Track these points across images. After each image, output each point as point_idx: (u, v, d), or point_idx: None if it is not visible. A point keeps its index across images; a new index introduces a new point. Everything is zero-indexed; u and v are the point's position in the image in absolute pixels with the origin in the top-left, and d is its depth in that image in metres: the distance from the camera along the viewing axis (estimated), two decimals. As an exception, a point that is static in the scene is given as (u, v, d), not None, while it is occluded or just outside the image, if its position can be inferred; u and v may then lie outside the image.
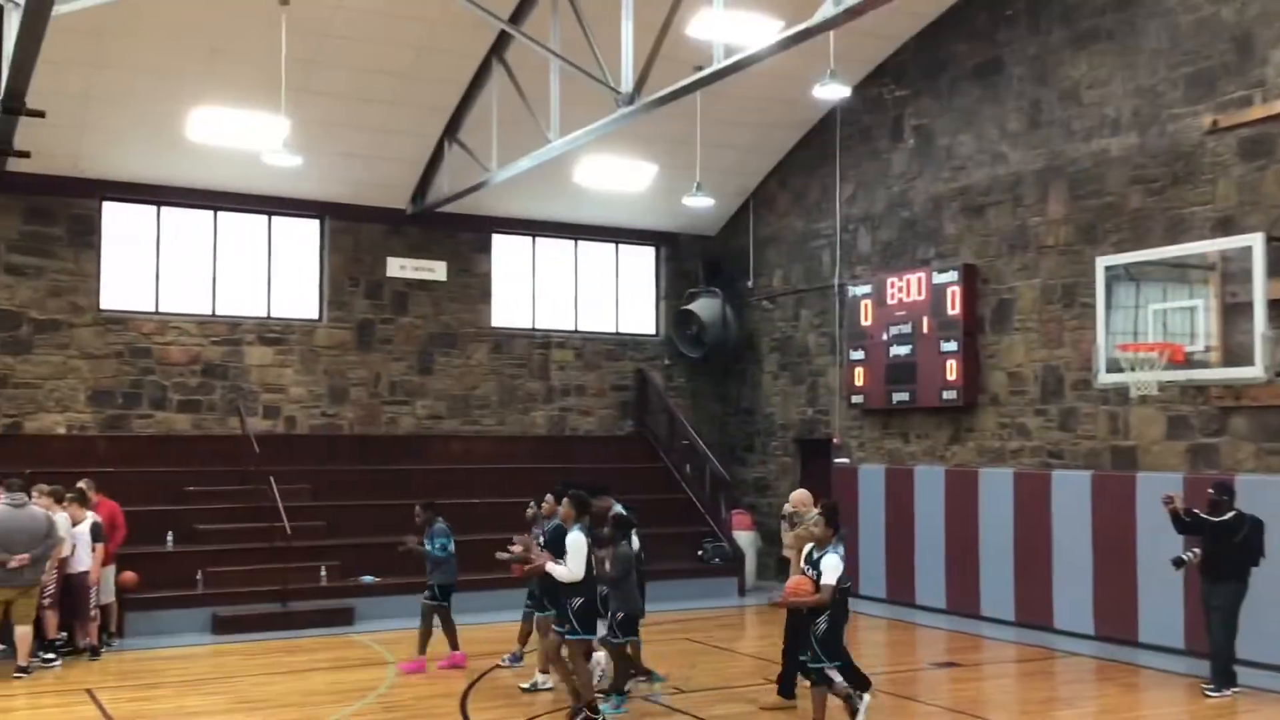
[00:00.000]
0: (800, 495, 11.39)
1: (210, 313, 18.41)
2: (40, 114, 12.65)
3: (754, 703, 10.85)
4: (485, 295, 20.39)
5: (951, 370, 16.75)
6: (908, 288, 17.53)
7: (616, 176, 19.63)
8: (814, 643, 9.37)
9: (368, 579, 16.31)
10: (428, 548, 12.62)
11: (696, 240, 22.06)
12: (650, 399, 21.59)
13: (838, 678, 9.51)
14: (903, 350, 17.59)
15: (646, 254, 22.15)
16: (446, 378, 19.99)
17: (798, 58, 12.77)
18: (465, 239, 20.17)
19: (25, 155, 14.36)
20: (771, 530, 20.45)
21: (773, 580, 20.11)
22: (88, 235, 17.50)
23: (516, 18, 15.32)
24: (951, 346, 16.76)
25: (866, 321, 18.26)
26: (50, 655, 12.53)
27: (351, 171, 18.32)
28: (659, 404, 21.44)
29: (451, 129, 17.84)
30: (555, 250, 21.28)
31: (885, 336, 17.86)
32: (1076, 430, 15.22)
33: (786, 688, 10.75)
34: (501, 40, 16.14)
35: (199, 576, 15.17)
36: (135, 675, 12.33)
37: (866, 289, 18.32)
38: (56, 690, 11.54)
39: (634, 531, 10.81)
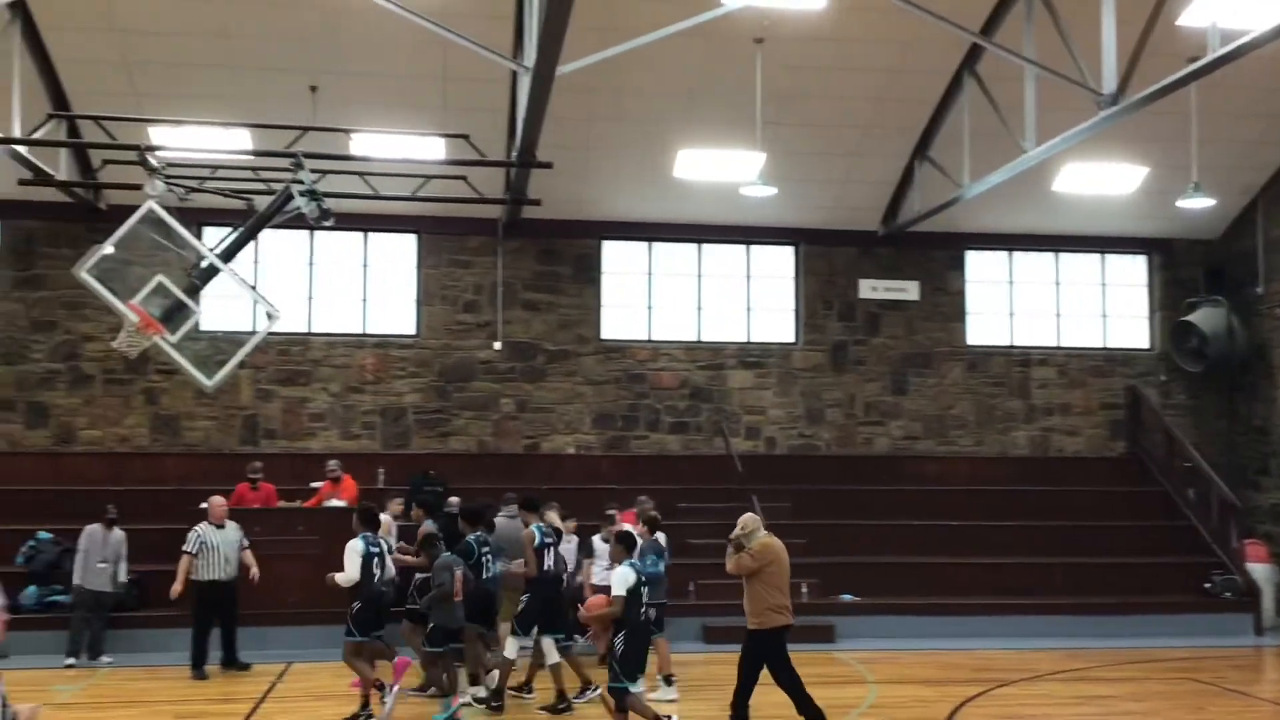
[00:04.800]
0: (747, 519, 10.57)
1: (696, 339, 19.55)
2: (548, 165, 14.17)
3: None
4: (959, 313, 20.01)
5: None
6: None
7: (1100, 182, 18.56)
8: (613, 663, 9.24)
9: (848, 597, 16.50)
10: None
11: (1195, 245, 20.29)
12: (1145, 418, 20.09)
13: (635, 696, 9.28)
14: None
15: (1137, 263, 20.68)
16: (921, 398, 19.82)
17: (1311, 36, 11.42)
18: (937, 257, 19.92)
19: (536, 203, 16.10)
20: (1294, 564, 18.32)
21: (1297, 620, 17.98)
22: (589, 272, 19.24)
23: (988, 29, 15.00)
24: None
25: None
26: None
27: (824, 197, 18.74)
28: (1155, 423, 19.90)
29: (922, 147, 17.74)
30: (1034, 263, 20.45)
31: None
32: None
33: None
34: (973, 53, 15.85)
35: (691, 588, 16.05)
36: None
37: None
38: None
39: (553, 547, 11.31)
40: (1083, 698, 12.36)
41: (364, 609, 10.79)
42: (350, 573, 10.71)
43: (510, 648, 11.13)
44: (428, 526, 12.12)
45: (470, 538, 11.48)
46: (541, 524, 11.70)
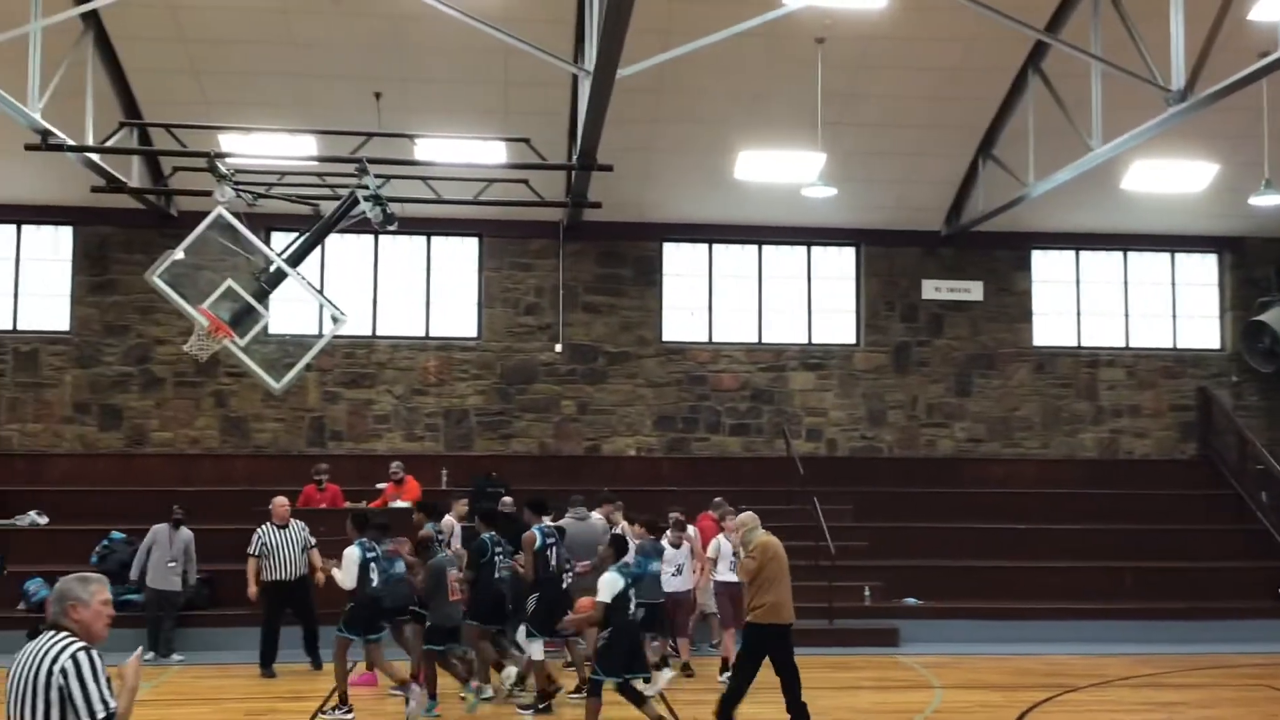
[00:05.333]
0: (744, 518, 10.67)
1: (756, 341, 19.50)
2: (608, 168, 14.21)
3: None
4: (1025, 314, 19.76)
5: None
6: None
7: (1170, 179, 18.22)
8: (595, 655, 9.67)
9: (911, 601, 16.37)
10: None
11: (1267, 243, 19.86)
12: (1216, 419, 19.70)
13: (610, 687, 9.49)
14: None
15: (1208, 261, 20.30)
16: (986, 399, 19.60)
17: (1390, 28, 11.16)
18: (1002, 257, 19.69)
19: (597, 206, 16.14)
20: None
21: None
22: (650, 274, 19.27)
23: (1054, 25, 14.81)
24: None
25: None
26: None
27: (885, 197, 18.61)
28: (1226, 425, 19.50)
29: (986, 146, 17.56)
30: (1102, 263, 20.15)
31: None
32: None
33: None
34: (1038, 50, 15.66)
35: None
36: (695, 680, 13.17)
37: None
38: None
39: (555, 548, 11.38)
40: (1152, 704, 12.15)
41: (356, 610, 11.06)
42: (346, 582, 11.07)
43: (535, 650, 11.21)
44: (428, 530, 12.31)
45: (485, 537, 11.63)
46: (544, 525, 11.78)
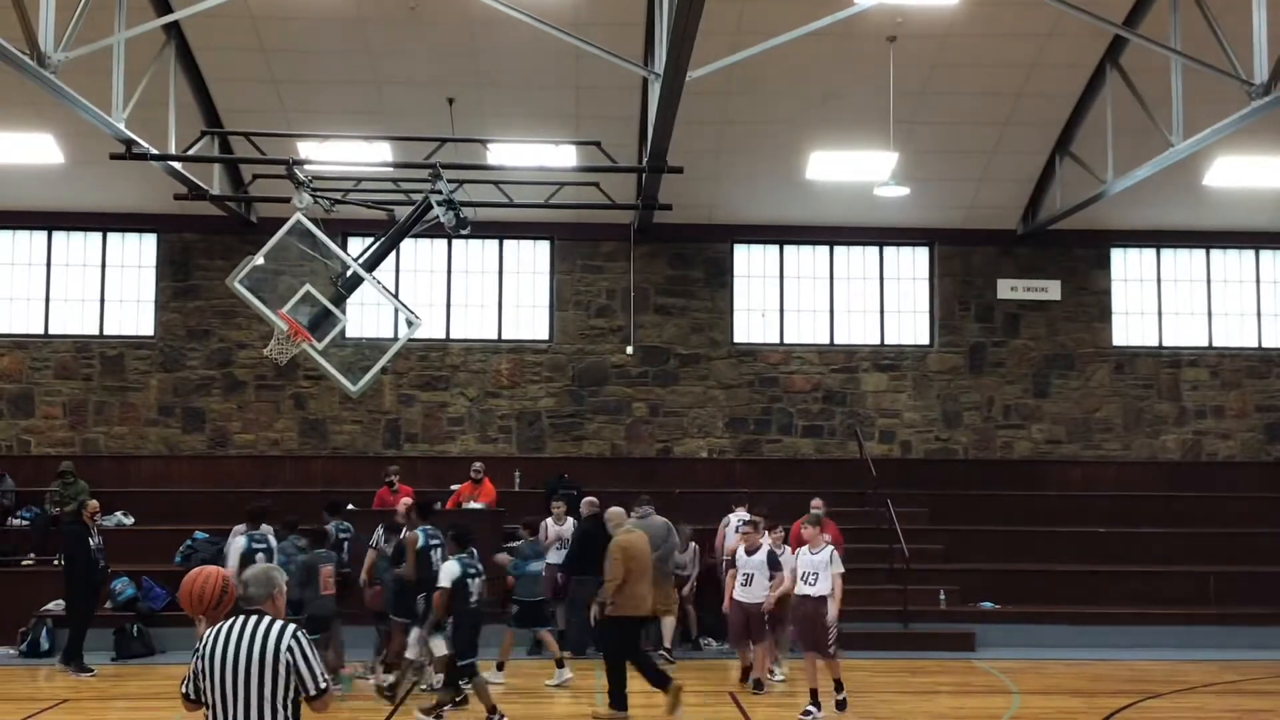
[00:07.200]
0: (610, 513, 11.62)
1: (829, 342, 19.39)
2: (679, 170, 14.23)
3: None
4: (1104, 313, 19.40)
5: None
6: None
7: (1254, 175, 17.80)
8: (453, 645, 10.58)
9: (987, 605, 16.16)
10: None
11: (1358, 239, 19.30)
12: (1305, 421, 19.19)
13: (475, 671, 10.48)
14: None
15: (1294, 258, 19.79)
16: (1064, 400, 19.27)
17: None
18: (1080, 255, 19.35)
19: (667, 208, 16.17)
20: None
21: None
22: (721, 276, 19.24)
23: (1132, 19, 14.54)
24: None
25: None
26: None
27: (959, 196, 18.40)
28: (1316, 426, 18.99)
29: (1063, 143, 17.27)
30: (1184, 260, 19.70)
31: None
32: None
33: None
34: (1116, 45, 15.38)
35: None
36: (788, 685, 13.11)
37: None
38: (703, 690, 12.66)
39: (439, 549, 11.62)
40: (1238, 711, 11.90)
41: None
42: (229, 566, 11.76)
43: (437, 646, 11.34)
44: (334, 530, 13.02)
45: (420, 531, 12.01)
46: (427, 527, 11.98)
